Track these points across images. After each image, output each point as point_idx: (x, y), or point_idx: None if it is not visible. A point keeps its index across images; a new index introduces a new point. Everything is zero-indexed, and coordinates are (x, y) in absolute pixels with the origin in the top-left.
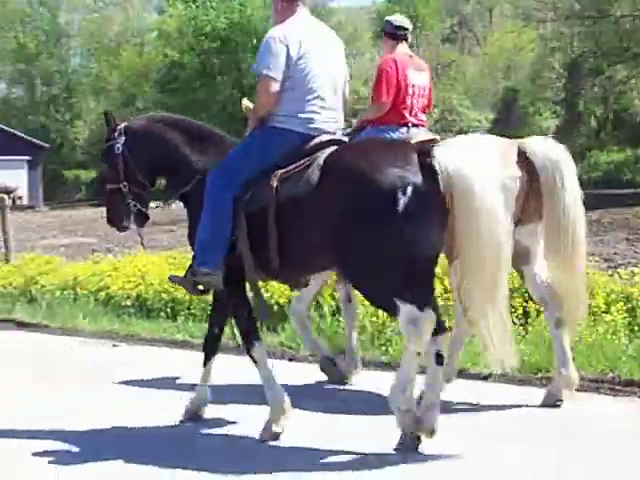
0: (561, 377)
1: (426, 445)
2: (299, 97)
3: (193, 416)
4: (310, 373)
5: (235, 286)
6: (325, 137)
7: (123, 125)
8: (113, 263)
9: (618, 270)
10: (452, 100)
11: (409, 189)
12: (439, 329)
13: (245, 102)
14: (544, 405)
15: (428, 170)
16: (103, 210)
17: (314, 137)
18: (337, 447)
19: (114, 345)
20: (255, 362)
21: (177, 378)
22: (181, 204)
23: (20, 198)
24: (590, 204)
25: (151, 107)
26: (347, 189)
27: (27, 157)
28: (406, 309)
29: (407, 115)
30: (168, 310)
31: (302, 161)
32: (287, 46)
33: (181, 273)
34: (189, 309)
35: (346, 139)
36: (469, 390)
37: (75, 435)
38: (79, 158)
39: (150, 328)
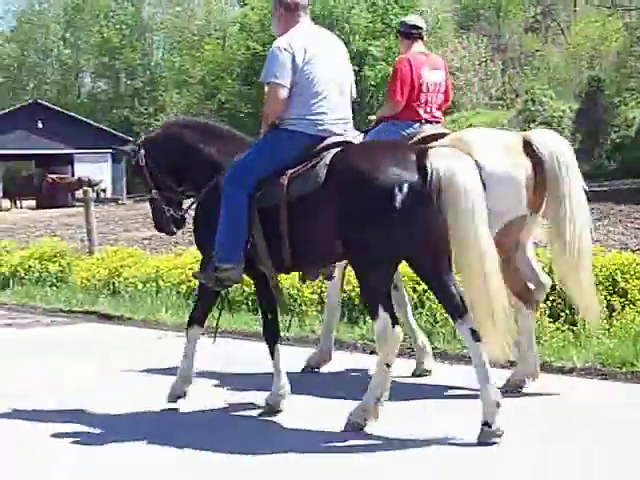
0: (523, 365)
1: (503, 445)
2: (306, 101)
3: (270, 409)
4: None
5: (259, 283)
6: (333, 138)
7: (141, 139)
8: (195, 256)
9: None
10: (535, 90)
11: (405, 187)
12: (463, 309)
13: None
14: (507, 387)
15: (424, 171)
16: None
17: (323, 138)
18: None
19: None
20: (187, 338)
21: (253, 371)
22: None
23: (104, 191)
24: None
25: (233, 100)
26: (350, 187)
27: (111, 150)
28: (383, 317)
29: (421, 112)
30: (249, 303)
31: (310, 161)
32: (293, 54)
33: None
34: None
35: (353, 140)
36: (552, 384)
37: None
38: None
39: (231, 321)
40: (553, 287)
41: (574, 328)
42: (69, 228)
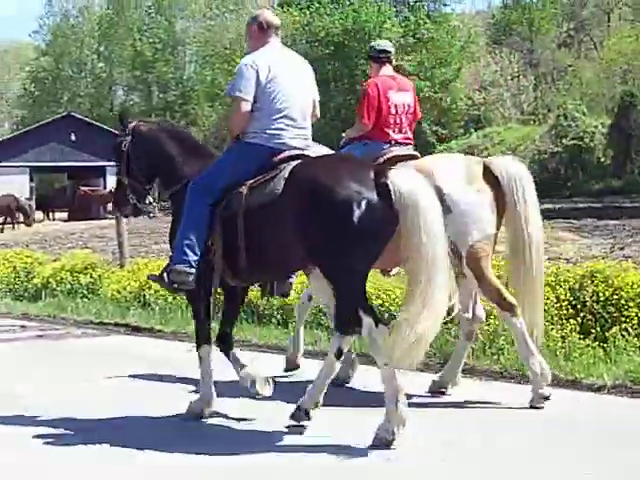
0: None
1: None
2: (268, 116)
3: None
4: (425, 384)
5: (202, 289)
6: (292, 152)
7: (132, 125)
8: None
9: None
10: (567, 105)
11: (364, 203)
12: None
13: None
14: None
15: (382, 189)
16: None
17: (282, 151)
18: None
19: None
20: (200, 358)
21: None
22: None
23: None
24: None
25: None
26: (306, 199)
27: None
28: (367, 321)
29: (391, 133)
30: (279, 317)
31: (270, 172)
32: (257, 71)
33: None
34: None
35: (311, 154)
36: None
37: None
38: None
39: (261, 334)
40: (584, 304)
41: (604, 345)
42: (101, 240)
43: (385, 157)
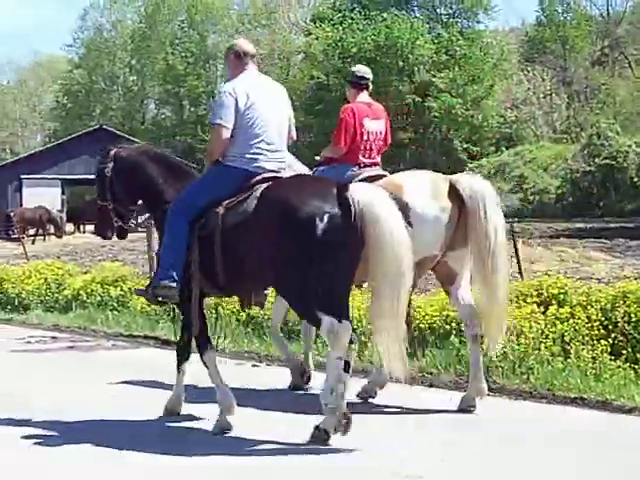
0: (473, 387)
1: None
2: (246, 141)
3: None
4: (452, 401)
5: (188, 302)
6: (266, 174)
7: (114, 151)
8: None
9: None
10: (601, 124)
11: (326, 217)
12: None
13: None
14: (459, 410)
15: (344, 203)
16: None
17: (258, 174)
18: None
19: (253, 365)
20: (206, 365)
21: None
22: None
23: None
24: None
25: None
26: (275, 217)
27: None
28: (327, 321)
29: (361, 157)
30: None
31: (244, 193)
32: (236, 98)
33: None
34: None
35: (283, 176)
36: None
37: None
38: None
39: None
40: (615, 324)
41: (636, 366)
42: (131, 253)
43: (359, 178)
